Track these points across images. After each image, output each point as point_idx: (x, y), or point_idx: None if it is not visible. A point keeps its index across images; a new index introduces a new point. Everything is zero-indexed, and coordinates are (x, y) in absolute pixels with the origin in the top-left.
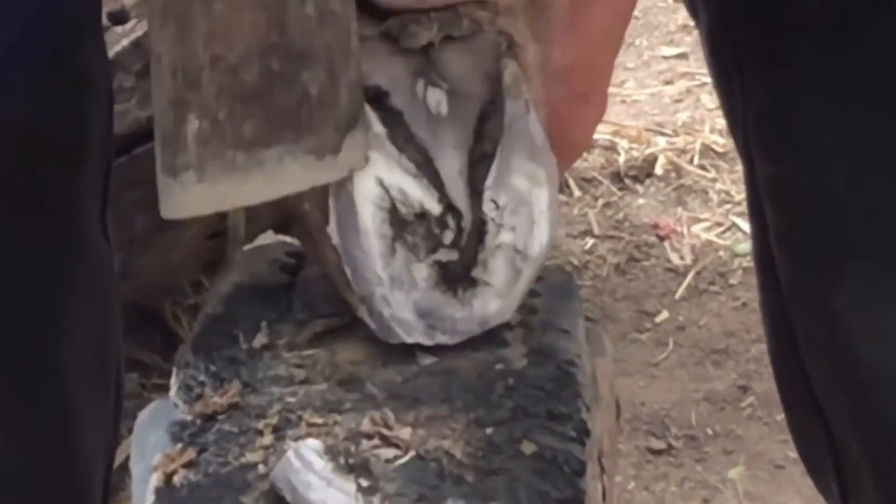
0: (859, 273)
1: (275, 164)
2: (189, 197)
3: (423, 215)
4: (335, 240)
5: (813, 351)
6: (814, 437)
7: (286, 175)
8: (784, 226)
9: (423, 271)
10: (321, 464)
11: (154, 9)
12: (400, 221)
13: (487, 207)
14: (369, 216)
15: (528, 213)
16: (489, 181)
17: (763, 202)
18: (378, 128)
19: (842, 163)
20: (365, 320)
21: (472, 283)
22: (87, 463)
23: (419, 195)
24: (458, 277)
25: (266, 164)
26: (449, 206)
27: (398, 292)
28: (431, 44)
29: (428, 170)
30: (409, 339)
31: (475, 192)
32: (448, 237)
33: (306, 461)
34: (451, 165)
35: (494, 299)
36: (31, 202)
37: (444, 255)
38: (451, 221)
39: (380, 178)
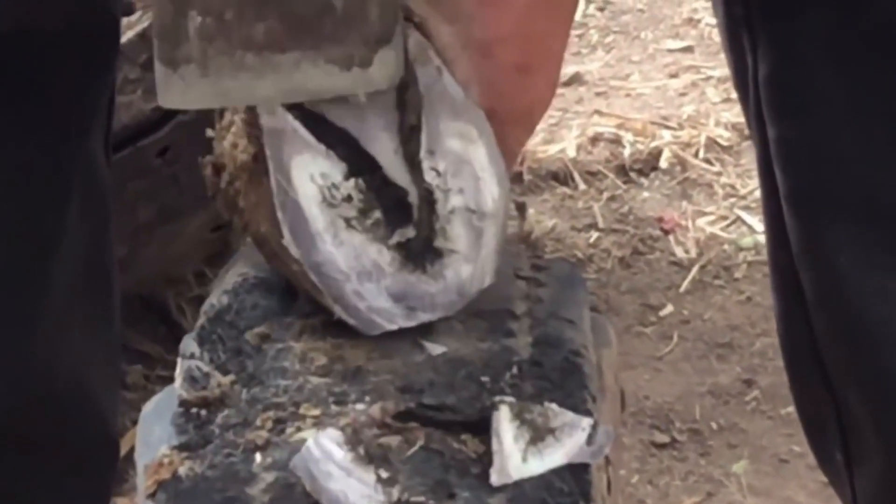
0: (866, 233)
1: (291, 68)
2: (191, 89)
3: (368, 204)
4: (293, 250)
5: (820, 311)
6: (819, 404)
7: (306, 80)
8: (793, 186)
9: (386, 256)
10: (341, 454)
11: None
12: (348, 215)
13: (429, 176)
14: (318, 217)
15: (471, 170)
16: (423, 151)
17: (773, 163)
18: (302, 132)
19: (851, 122)
20: (344, 319)
21: (438, 254)
22: (74, 370)
23: (358, 185)
24: (422, 253)
25: (282, 67)
26: (390, 185)
27: (368, 283)
28: None
29: (359, 157)
30: (392, 326)
31: (415, 166)
32: (399, 216)
33: (326, 451)
34: (386, 147)
35: (464, 264)
36: (39, 95)
37: (401, 236)
38: (398, 199)
39: (314, 176)
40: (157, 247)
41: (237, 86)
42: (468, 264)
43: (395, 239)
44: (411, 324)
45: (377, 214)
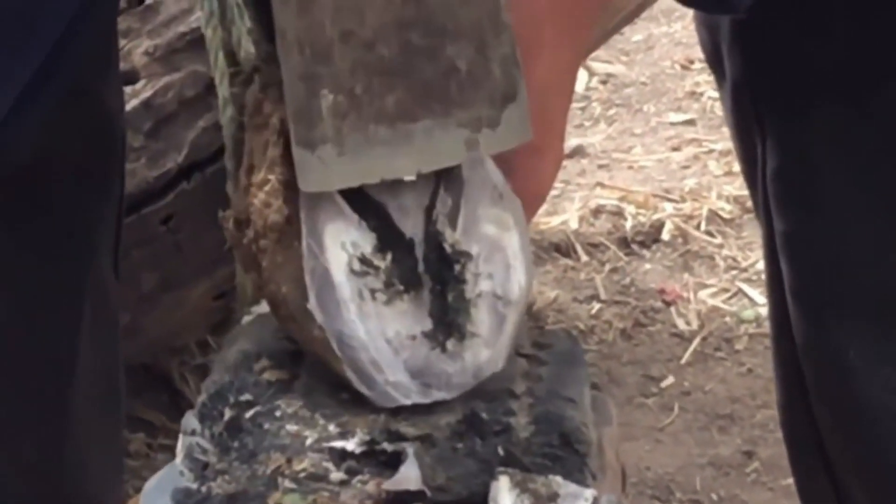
0: (874, 328)
1: (425, 137)
2: (330, 171)
3: (394, 278)
4: (318, 316)
5: (824, 402)
6: (820, 492)
7: (439, 148)
8: (800, 282)
9: (408, 331)
10: None
11: None
12: (374, 286)
13: (459, 260)
14: (345, 286)
15: (503, 258)
16: (458, 233)
17: (779, 257)
18: (339, 200)
19: (858, 220)
20: (358, 389)
21: (460, 335)
22: (93, 488)
23: (386, 258)
24: (444, 332)
25: (415, 137)
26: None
27: (387, 356)
28: None
29: (390, 231)
30: (407, 401)
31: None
32: (425, 295)
33: None
34: (419, 224)
35: (483, 348)
36: (46, 220)
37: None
38: (424, 278)
39: (346, 245)
40: (160, 315)
41: (374, 161)
42: (487, 349)
43: (421, 328)
44: (426, 400)
45: (402, 289)
